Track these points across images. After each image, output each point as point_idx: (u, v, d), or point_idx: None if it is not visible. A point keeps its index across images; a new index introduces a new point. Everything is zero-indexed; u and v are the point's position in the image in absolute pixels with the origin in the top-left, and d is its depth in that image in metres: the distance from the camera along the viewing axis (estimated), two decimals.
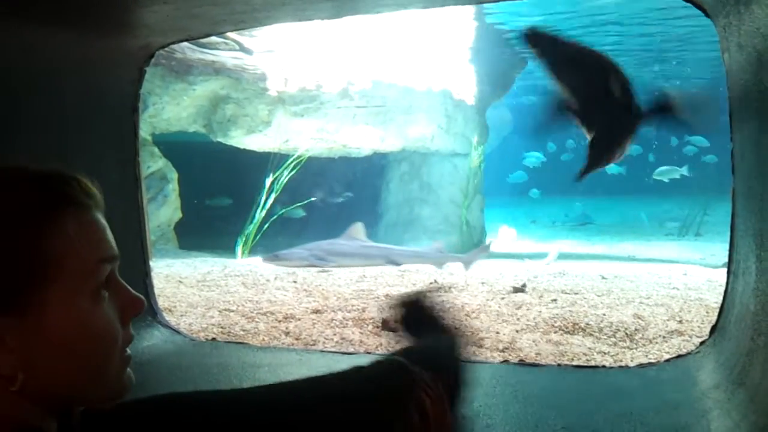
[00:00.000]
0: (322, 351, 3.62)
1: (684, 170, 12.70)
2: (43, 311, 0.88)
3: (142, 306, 1.01)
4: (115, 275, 0.98)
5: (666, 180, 12.99)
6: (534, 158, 17.61)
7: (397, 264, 7.16)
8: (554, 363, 3.43)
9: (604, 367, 3.23)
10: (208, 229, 10.64)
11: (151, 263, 3.93)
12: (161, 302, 3.87)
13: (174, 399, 1.06)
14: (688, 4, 2.78)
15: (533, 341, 4.04)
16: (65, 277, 0.90)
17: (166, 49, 3.49)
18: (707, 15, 2.67)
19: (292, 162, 9.25)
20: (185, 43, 8.00)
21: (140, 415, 1.00)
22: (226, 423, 0.99)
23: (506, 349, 3.91)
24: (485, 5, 9.56)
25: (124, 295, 0.99)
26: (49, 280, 0.88)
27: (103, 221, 0.98)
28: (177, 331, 3.77)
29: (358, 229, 7.21)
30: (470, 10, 10.41)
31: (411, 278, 6.69)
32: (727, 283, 2.54)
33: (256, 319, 4.67)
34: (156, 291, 3.83)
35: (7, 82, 2.66)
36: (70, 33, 2.87)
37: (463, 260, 7.28)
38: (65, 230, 0.91)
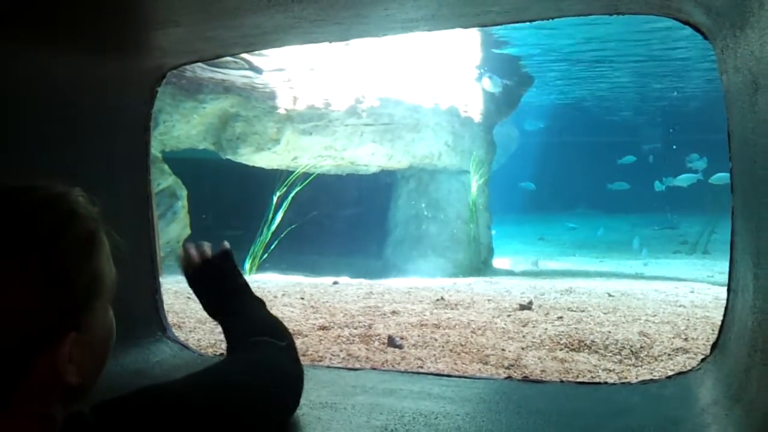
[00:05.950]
0: (329, 367, 3.65)
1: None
2: (93, 323, 1.01)
3: None
4: None
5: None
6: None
7: None
8: (557, 380, 3.45)
9: (606, 383, 3.25)
10: (216, 245, 10.74)
11: (161, 279, 3.98)
12: (170, 318, 3.91)
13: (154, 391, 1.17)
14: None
15: (539, 358, 4.07)
16: (105, 291, 1.03)
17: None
18: (706, 38, 2.72)
19: (295, 176, 9.35)
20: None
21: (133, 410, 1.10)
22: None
23: (512, 366, 3.94)
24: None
25: None
26: (98, 296, 1.01)
27: None
28: (186, 347, 3.81)
29: None
30: (477, 29, 10.55)
31: (418, 295, 6.72)
32: (728, 300, 2.56)
33: None
34: (165, 307, 3.87)
35: (22, 101, 2.74)
36: (85, 54, 2.96)
37: None
38: (104, 249, 1.04)
